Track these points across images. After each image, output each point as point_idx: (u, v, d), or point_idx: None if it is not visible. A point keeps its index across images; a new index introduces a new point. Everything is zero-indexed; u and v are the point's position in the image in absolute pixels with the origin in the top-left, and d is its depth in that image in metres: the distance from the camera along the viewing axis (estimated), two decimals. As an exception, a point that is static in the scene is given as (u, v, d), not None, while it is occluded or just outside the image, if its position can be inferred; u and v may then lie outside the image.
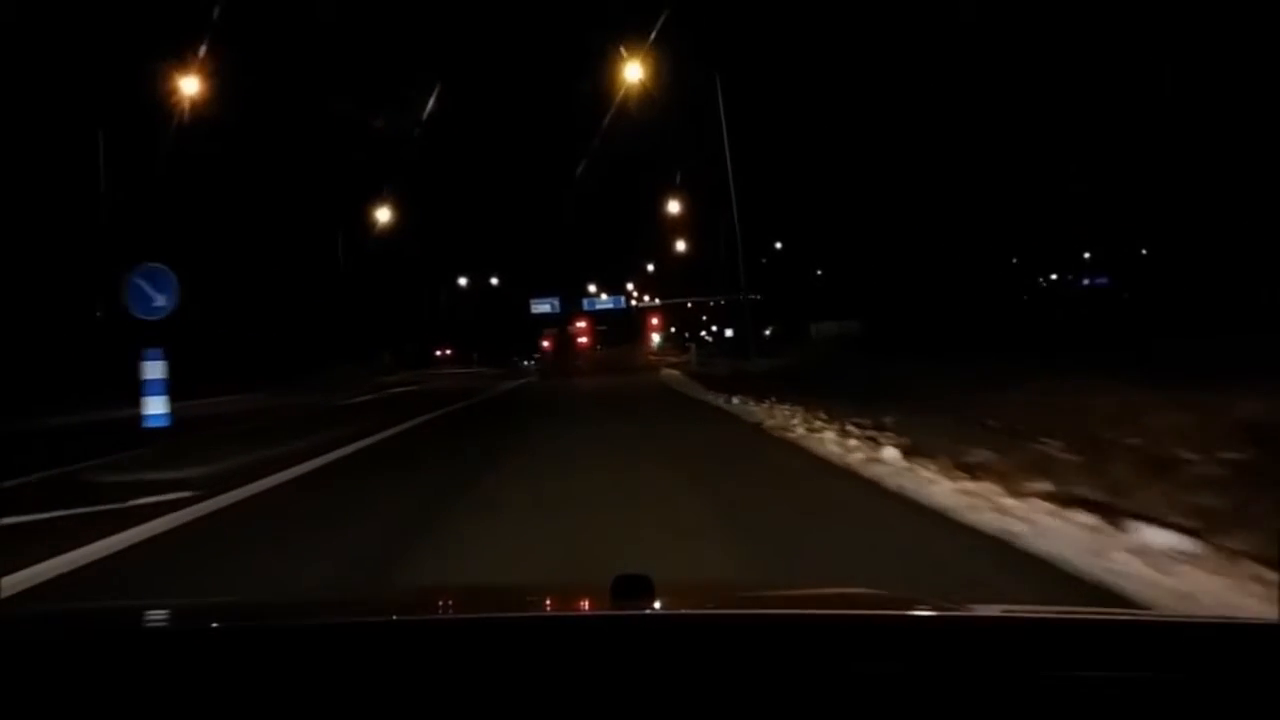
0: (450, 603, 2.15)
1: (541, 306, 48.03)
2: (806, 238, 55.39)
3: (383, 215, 44.53)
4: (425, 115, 34.84)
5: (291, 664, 1.25)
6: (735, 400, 14.78)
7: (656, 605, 1.52)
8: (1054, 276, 57.64)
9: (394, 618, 1.65)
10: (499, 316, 65.22)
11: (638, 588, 1.47)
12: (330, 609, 1.95)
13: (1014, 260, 58.87)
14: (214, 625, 1.60)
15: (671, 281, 58.14)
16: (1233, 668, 1.16)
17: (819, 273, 65.90)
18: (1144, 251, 38.19)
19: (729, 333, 43.95)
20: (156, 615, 1.81)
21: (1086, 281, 61.86)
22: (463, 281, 68.62)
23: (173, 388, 11.75)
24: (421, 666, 1.22)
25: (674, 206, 44.21)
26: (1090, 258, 55.94)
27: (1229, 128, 23.09)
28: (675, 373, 27.71)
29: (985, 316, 29.06)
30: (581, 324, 55.72)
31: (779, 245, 60.88)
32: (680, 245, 54.91)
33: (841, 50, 38.07)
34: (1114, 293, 43.03)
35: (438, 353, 69.80)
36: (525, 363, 56.66)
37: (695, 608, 1.78)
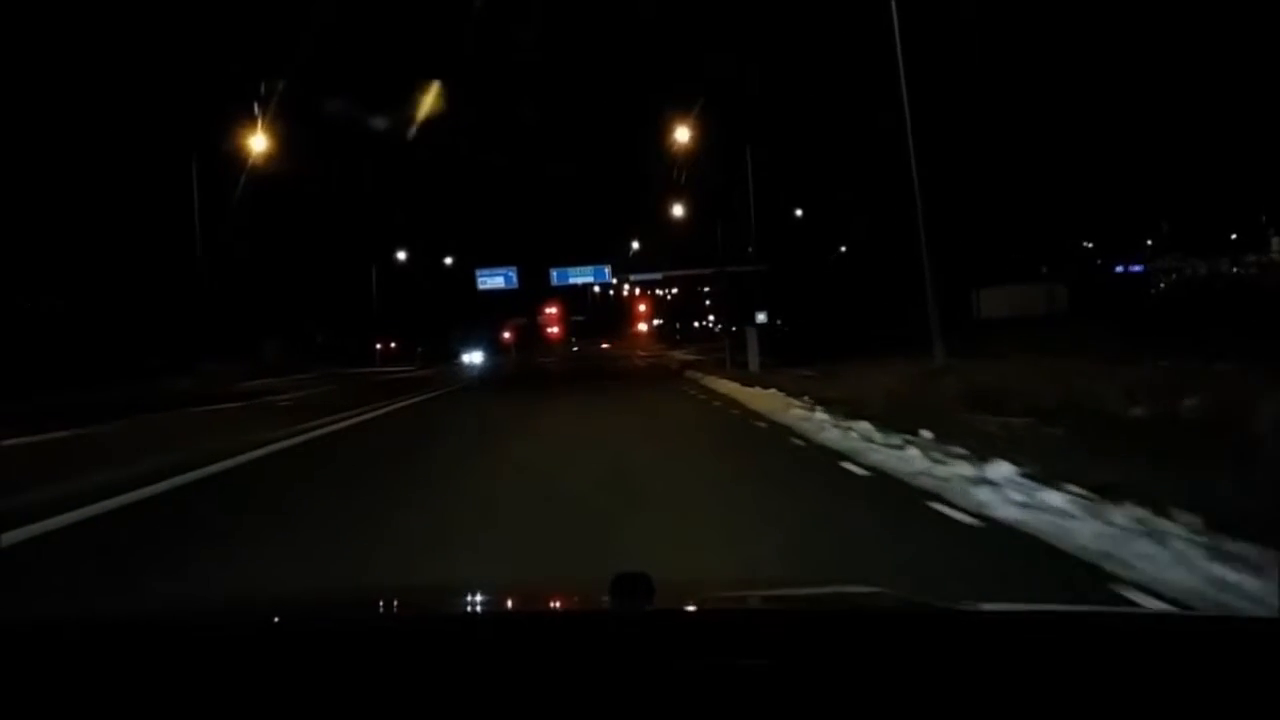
0: (450, 601, 2.02)
1: (492, 280, 34.02)
2: (828, 206, 45.43)
3: (257, 144, 30.34)
4: None
5: (293, 664, 1.23)
6: None
7: (656, 603, 1.42)
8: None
9: (396, 616, 1.66)
10: (447, 300, 51.30)
11: (637, 585, 1.40)
12: (325, 610, 1.81)
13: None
14: (214, 627, 1.52)
15: (663, 258, 44.92)
16: (1232, 662, 1.15)
17: (842, 249, 55.25)
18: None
19: (761, 318, 30.28)
20: (147, 619, 1.70)
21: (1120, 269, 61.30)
22: (402, 256, 54.13)
23: None
24: (423, 664, 1.20)
25: (683, 135, 30.40)
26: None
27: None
28: (764, 393, 12.27)
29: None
30: (552, 310, 41.55)
31: (799, 213, 48.95)
32: (678, 210, 41.35)
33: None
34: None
35: (379, 346, 56.80)
36: (469, 359, 43.42)
37: (695, 605, 1.64)
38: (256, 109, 30.80)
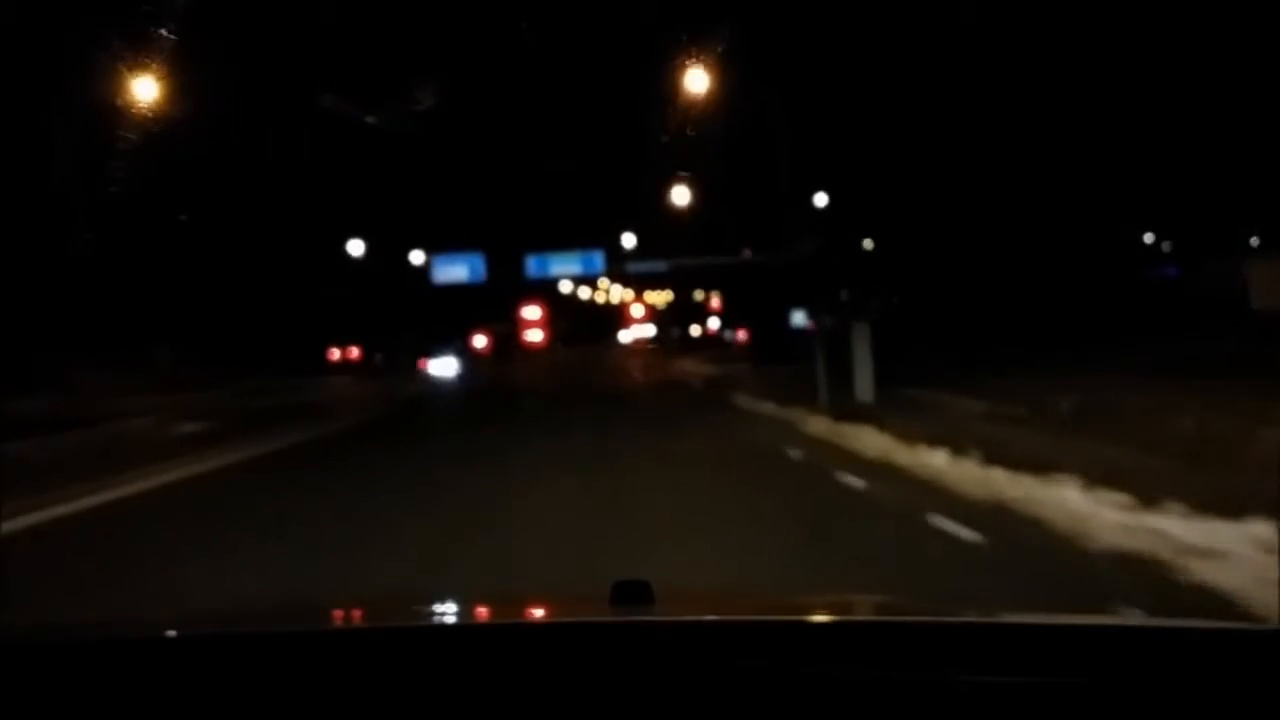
0: (451, 609, 2.02)
1: (453, 270, 26.71)
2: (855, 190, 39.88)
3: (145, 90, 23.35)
4: None
5: (299, 669, 1.21)
6: None
7: (657, 611, 1.43)
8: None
9: (398, 624, 1.62)
10: (406, 300, 44.05)
11: (637, 593, 1.40)
12: (322, 620, 1.81)
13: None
14: (207, 634, 1.50)
15: (666, 249, 37.92)
16: (1235, 672, 1.13)
17: (869, 244, 49.48)
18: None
19: (799, 319, 23.25)
20: (145, 628, 1.70)
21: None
22: (359, 249, 46.76)
23: None
24: (426, 673, 1.18)
25: (698, 82, 23.20)
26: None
27: None
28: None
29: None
30: (533, 313, 34.97)
31: (823, 200, 42.74)
32: (682, 196, 34.28)
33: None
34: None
35: (337, 352, 50.09)
36: (440, 370, 36.51)
37: (695, 613, 1.65)
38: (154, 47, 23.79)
